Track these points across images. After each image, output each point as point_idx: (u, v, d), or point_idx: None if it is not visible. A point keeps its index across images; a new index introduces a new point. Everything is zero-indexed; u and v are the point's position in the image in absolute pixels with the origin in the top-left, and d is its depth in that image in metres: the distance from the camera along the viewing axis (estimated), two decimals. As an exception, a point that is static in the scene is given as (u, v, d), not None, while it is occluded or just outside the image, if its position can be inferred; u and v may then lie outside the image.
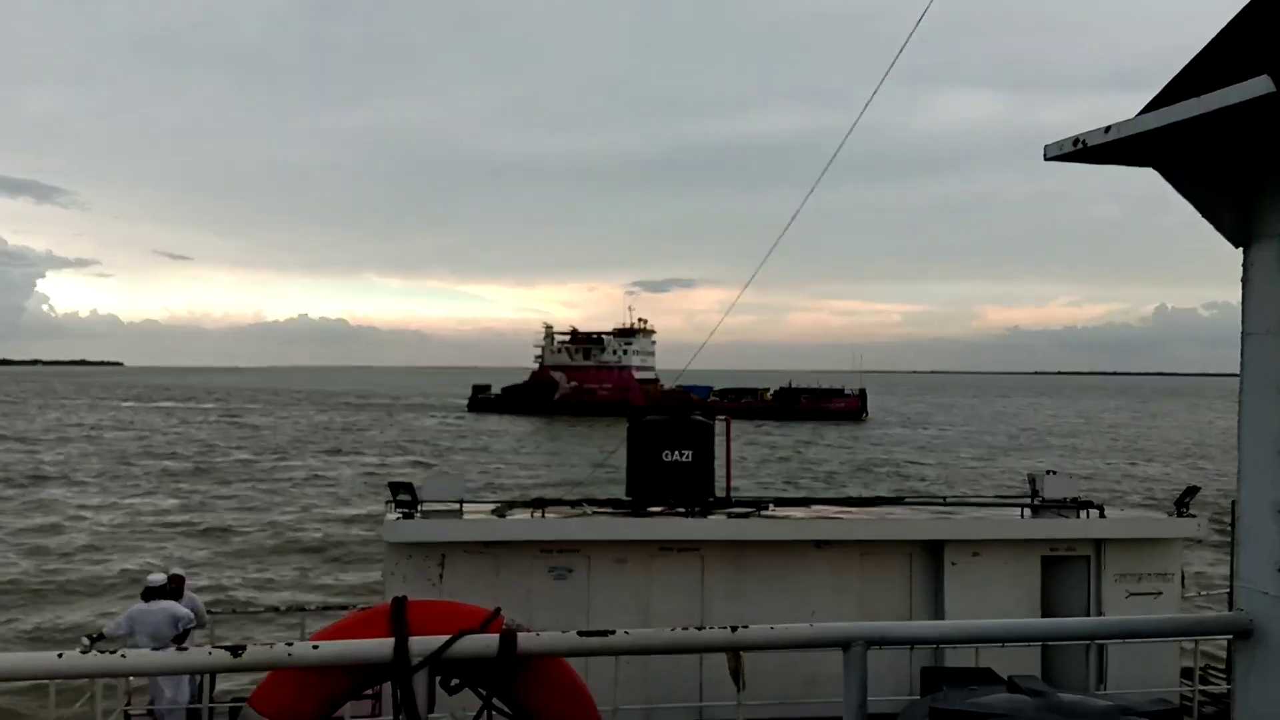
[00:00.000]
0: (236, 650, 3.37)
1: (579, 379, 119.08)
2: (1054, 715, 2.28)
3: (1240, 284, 3.88)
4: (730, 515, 14.00)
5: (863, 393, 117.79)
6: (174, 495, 46.44)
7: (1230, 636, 3.91)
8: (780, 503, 15.65)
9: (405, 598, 3.71)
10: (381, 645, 3.44)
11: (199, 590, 22.06)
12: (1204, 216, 3.92)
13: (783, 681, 11.93)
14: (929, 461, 68.20)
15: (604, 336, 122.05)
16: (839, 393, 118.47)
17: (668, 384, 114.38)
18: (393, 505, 13.12)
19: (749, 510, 14.43)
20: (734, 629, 3.74)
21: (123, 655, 3.44)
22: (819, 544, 13.40)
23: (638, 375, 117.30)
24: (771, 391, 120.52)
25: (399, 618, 3.54)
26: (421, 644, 3.44)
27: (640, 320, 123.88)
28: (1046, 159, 4.21)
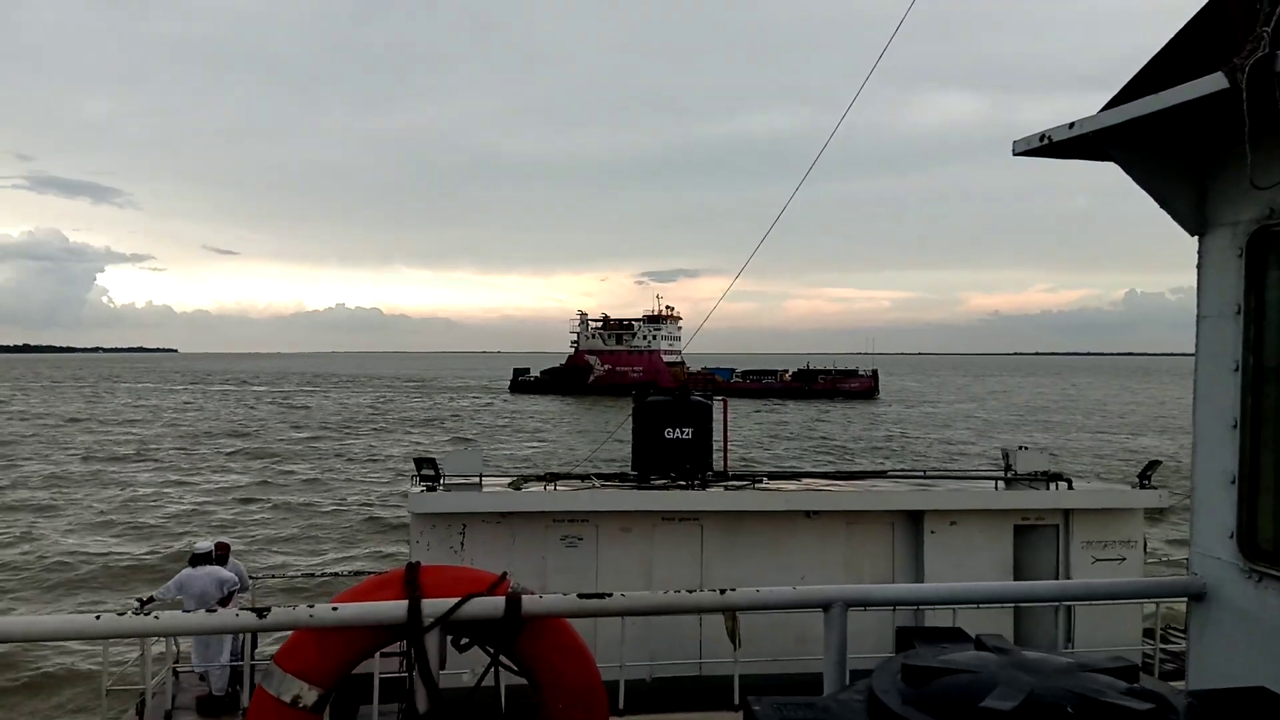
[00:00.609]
0: (262, 612, 3.36)
1: (611, 362, 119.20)
2: (1017, 670, 2.24)
3: (1196, 270, 3.81)
4: (727, 488, 14.00)
5: (875, 373, 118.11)
6: (244, 473, 46.72)
7: (1186, 599, 3.86)
8: (773, 476, 15.64)
9: (419, 563, 3.70)
10: (397, 607, 3.43)
11: (252, 564, 22.07)
12: (1162, 207, 3.86)
13: (775, 641, 11.95)
14: (936, 437, 67.49)
15: (634, 323, 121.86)
16: (854, 373, 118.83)
17: (694, 367, 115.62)
18: (417, 479, 13.17)
19: (744, 483, 14.42)
20: (722, 591, 3.70)
21: (156, 617, 3.42)
22: (809, 514, 13.40)
23: (666, 359, 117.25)
24: (790, 373, 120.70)
25: (412, 582, 3.52)
26: (433, 606, 3.43)
27: (668, 308, 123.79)
28: (1015, 154, 4.16)
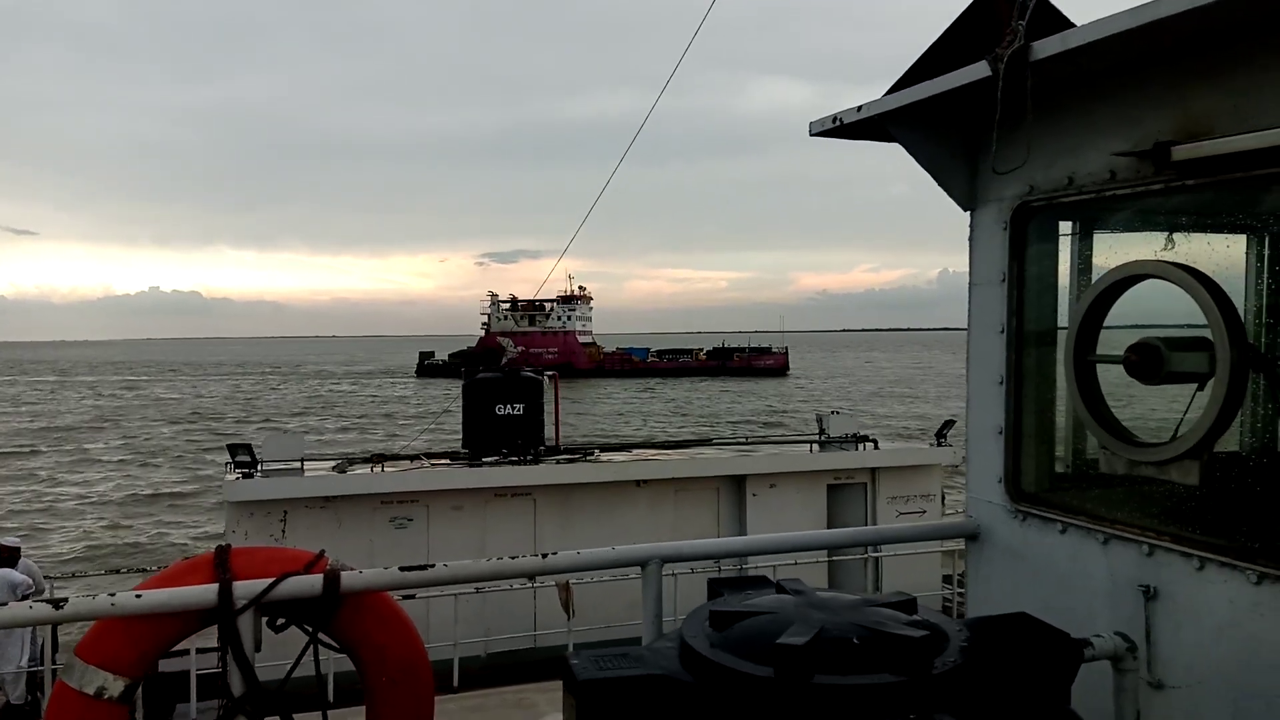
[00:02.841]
0: (59, 603, 3.19)
1: (526, 344, 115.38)
2: (810, 609, 2.46)
3: (968, 242, 4.15)
4: (559, 461, 14.14)
5: (786, 351, 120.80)
6: (110, 470, 43.92)
7: (963, 539, 4.23)
8: (605, 448, 15.91)
9: (229, 545, 3.57)
10: (206, 591, 3.32)
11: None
12: (939, 184, 4.16)
13: (607, 609, 12.23)
14: (868, 409, 68.51)
15: (548, 303, 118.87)
16: (768, 351, 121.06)
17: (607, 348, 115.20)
18: (232, 466, 12.64)
19: (576, 456, 14.61)
20: (544, 555, 3.79)
21: None
22: (639, 483, 13.77)
23: (580, 339, 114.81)
24: (705, 351, 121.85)
25: (223, 564, 3.41)
26: (246, 588, 3.34)
27: (580, 288, 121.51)
28: (811, 134, 4.38)
